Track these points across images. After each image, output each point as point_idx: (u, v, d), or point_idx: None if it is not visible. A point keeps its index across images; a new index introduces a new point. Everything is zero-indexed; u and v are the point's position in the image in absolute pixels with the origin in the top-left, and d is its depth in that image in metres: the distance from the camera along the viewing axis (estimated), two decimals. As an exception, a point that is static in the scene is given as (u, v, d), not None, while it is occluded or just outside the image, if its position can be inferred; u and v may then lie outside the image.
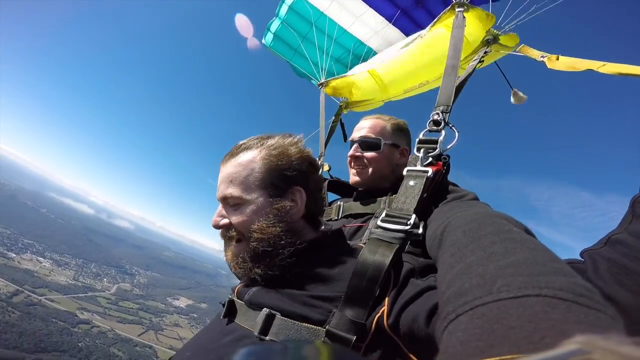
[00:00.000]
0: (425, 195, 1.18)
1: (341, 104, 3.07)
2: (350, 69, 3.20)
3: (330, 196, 2.15)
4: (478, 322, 0.46)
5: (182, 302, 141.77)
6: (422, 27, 2.78)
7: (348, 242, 1.23)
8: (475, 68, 1.78)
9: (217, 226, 1.12)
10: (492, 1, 2.14)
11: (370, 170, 1.78)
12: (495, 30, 1.90)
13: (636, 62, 1.32)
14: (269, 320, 0.90)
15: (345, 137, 2.92)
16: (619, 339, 0.25)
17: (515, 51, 1.86)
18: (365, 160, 1.79)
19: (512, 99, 2.14)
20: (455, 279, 0.60)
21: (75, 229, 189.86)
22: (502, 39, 1.89)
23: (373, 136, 1.81)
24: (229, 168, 1.11)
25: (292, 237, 1.06)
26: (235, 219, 1.07)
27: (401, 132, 1.88)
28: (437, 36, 2.12)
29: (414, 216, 1.06)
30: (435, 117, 1.40)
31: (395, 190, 1.52)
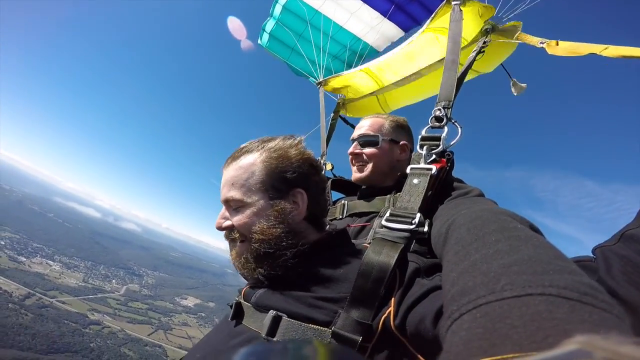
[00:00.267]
0: (429, 193, 1.17)
1: (339, 100, 3.14)
2: (347, 64, 3.34)
3: (334, 195, 2.18)
4: (481, 321, 0.46)
5: (190, 302, 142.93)
6: (417, 21, 2.96)
7: (353, 241, 1.23)
8: (474, 59, 1.78)
9: (220, 228, 1.14)
10: None
11: (370, 166, 1.80)
12: (493, 22, 1.90)
13: (637, 44, 1.52)
14: (275, 322, 0.91)
15: (352, 126, 2.97)
16: (620, 339, 0.25)
17: (513, 39, 1.84)
18: (364, 157, 1.81)
19: (512, 89, 2.16)
20: (459, 277, 0.60)
21: (82, 232, 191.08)
22: (502, 28, 1.88)
23: (371, 133, 1.83)
24: (231, 171, 1.13)
25: (294, 238, 1.06)
26: (237, 220, 1.08)
27: (401, 129, 1.89)
28: (427, 40, 2.23)
29: (418, 215, 1.06)
30: (437, 112, 1.39)
31: (399, 189, 1.52)
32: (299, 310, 0.92)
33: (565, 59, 1.67)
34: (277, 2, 3.20)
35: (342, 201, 1.90)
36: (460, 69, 1.63)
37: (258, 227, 1.05)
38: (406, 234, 1.01)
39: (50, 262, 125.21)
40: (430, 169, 1.21)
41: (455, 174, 1.44)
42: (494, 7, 1.92)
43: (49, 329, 75.58)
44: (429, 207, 1.18)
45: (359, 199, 1.85)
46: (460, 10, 1.77)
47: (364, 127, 1.88)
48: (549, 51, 1.65)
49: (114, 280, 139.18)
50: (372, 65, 2.70)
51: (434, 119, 1.40)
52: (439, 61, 2.31)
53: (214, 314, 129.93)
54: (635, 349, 0.23)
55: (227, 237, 1.15)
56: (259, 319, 0.97)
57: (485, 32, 1.91)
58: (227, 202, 1.12)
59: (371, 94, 2.93)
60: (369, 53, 3.27)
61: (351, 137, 1.94)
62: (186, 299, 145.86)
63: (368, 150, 1.81)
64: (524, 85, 2.11)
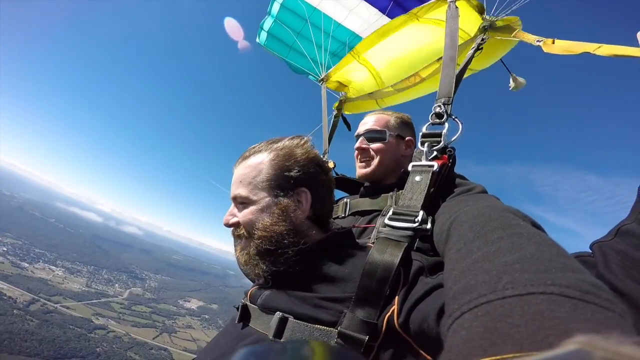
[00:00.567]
0: (432, 190, 1.18)
1: (341, 97, 3.11)
2: None
3: (337, 194, 2.14)
4: (482, 320, 0.46)
5: (194, 304, 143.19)
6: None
7: (357, 240, 1.25)
8: (473, 56, 1.78)
9: (227, 224, 1.17)
10: None
11: (376, 161, 1.78)
12: (491, 17, 1.89)
13: (629, 43, 1.34)
14: (282, 323, 0.92)
15: (349, 127, 3.02)
16: (620, 339, 0.25)
17: (511, 36, 1.85)
18: (371, 152, 1.80)
19: (510, 85, 2.15)
20: (461, 276, 0.60)
21: (83, 237, 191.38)
22: (500, 24, 1.88)
23: (378, 128, 1.82)
24: (240, 170, 1.17)
25: (296, 236, 1.07)
26: (243, 217, 1.12)
27: (405, 125, 1.89)
28: (433, 35, 2.21)
29: (421, 212, 1.06)
30: (437, 109, 1.40)
31: (401, 186, 1.54)
32: (304, 311, 0.93)
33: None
34: (275, 0, 3.19)
35: (345, 199, 1.89)
36: (459, 66, 1.63)
37: (261, 224, 1.08)
38: (409, 233, 1.01)
39: (53, 268, 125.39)
40: (432, 166, 1.21)
41: (455, 169, 1.43)
42: (489, 4, 1.90)
43: (55, 335, 75.81)
44: (431, 204, 1.18)
45: (361, 196, 1.83)
46: (457, 7, 1.75)
47: (369, 122, 1.87)
48: (545, 49, 1.66)
49: (117, 285, 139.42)
50: (374, 59, 2.67)
51: (434, 115, 1.40)
52: (437, 61, 2.30)
53: (218, 316, 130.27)
54: (635, 349, 0.23)
55: (233, 233, 1.18)
56: (266, 320, 0.98)
57: (482, 29, 1.89)
58: (235, 199, 1.16)
59: (370, 95, 2.91)
60: None
61: (356, 133, 1.92)
62: (189, 301, 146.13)
63: (375, 145, 1.80)
64: (523, 80, 2.11)
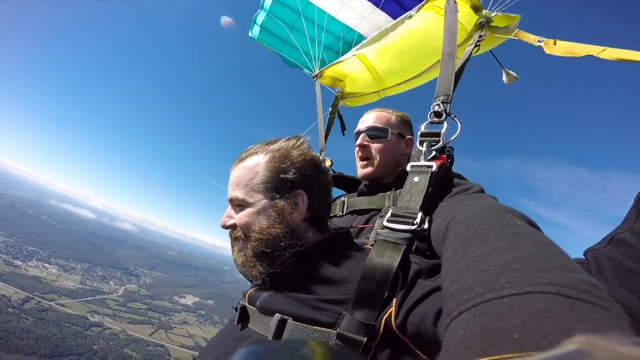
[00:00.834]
0: (430, 190, 1.17)
1: (337, 94, 3.08)
2: (340, 54, 3.17)
3: (335, 192, 2.09)
4: (480, 319, 0.45)
5: (189, 300, 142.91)
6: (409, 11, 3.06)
7: (355, 240, 1.26)
8: (471, 54, 1.76)
9: (224, 226, 1.18)
10: None
11: (378, 160, 1.77)
12: (487, 12, 1.86)
13: (635, 47, 1.34)
14: (281, 325, 0.93)
15: (343, 128, 3.04)
16: (619, 339, 0.25)
17: (510, 35, 1.82)
18: (372, 150, 1.79)
19: (504, 78, 2.14)
20: (458, 275, 0.60)
21: (77, 234, 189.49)
22: (496, 20, 1.86)
23: (380, 126, 1.81)
24: (237, 172, 1.17)
25: (293, 239, 1.08)
26: (239, 219, 1.12)
27: (405, 124, 1.90)
28: (427, 23, 2.15)
29: (420, 214, 1.06)
30: (436, 108, 1.38)
31: (399, 185, 1.57)
32: (303, 312, 0.94)
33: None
34: None
35: (342, 198, 1.89)
36: (457, 63, 1.60)
37: (258, 226, 1.08)
38: (408, 235, 1.01)
39: (47, 265, 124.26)
40: (431, 167, 1.20)
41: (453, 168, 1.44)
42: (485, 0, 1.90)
43: (51, 333, 75.40)
44: (429, 204, 1.18)
45: (359, 195, 1.83)
46: (455, 2, 1.72)
47: (370, 119, 1.86)
48: (547, 50, 1.63)
49: (111, 281, 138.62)
50: (370, 55, 2.64)
51: (432, 114, 1.39)
52: (438, 62, 2.22)
53: (214, 312, 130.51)
54: (635, 349, 0.23)
55: (230, 235, 1.19)
56: (265, 322, 0.99)
57: (480, 26, 1.87)
58: (232, 201, 1.17)
59: (371, 93, 2.93)
60: None
61: (357, 130, 1.91)
62: (185, 297, 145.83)
63: (376, 142, 1.79)
64: (516, 75, 2.10)
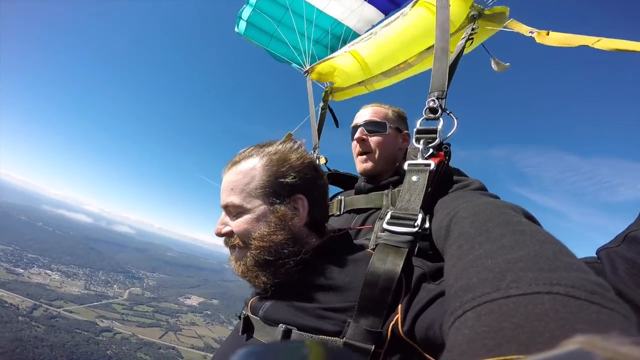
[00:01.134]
0: (429, 189, 1.14)
1: (326, 88, 3.01)
2: (330, 49, 3.21)
3: (331, 189, 1.94)
4: (485, 319, 0.44)
5: (194, 301, 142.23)
6: (397, 3, 2.91)
7: (355, 242, 1.23)
8: (464, 47, 1.71)
9: (219, 234, 1.12)
10: None
11: (377, 154, 1.72)
12: (478, 5, 1.82)
13: (630, 37, 1.29)
14: (286, 335, 0.91)
15: (336, 122, 2.94)
16: (621, 339, 0.25)
17: (502, 26, 1.78)
18: (371, 144, 1.73)
19: (493, 67, 2.07)
20: (463, 272, 0.59)
21: (75, 239, 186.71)
22: (489, 13, 1.81)
23: (378, 120, 1.76)
24: (231, 176, 1.11)
25: (296, 245, 1.04)
26: (237, 226, 1.06)
27: (402, 119, 1.85)
28: (418, 14, 2.09)
29: (420, 216, 1.03)
30: (431, 104, 1.34)
31: (396, 183, 1.55)
32: (307, 322, 0.91)
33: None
34: None
35: (339, 196, 1.84)
36: (451, 57, 1.55)
37: (258, 233, 1.03)
38: (409, 238, 0.98)
39: (49, 272, 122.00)
40: (429, 165, 1.17)
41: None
42: None
43: (64, 340, 74.26)
44: (429, 202, 1.15)
45: (356, 193, 1.79)
46: None
47: (367, 114, 1.82)
48: (538, 40, 1.61)
49: (115, 285, 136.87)
50: (360, 48, 2.54)
51: (427, 110, 1.35)
52: (427, 50, 2.22)
53: (219, 311, 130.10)
54: (635, 348, 0.23)
55: (226, 243, 1.13)
56: (270, 332, 0.97)
57: (472, 18, 1.83)
58: (227, 208, 1.10)
59: (359, 83, 2.82)
60: (352, 37, 3.15)
61: (354, 124, 1.84)
62: (190, 298, 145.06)
63: (375, 136, 1.75)
64: (506, 64, 2.03)
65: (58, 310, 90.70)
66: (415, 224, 1.01)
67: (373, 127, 1.76)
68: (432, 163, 1.17)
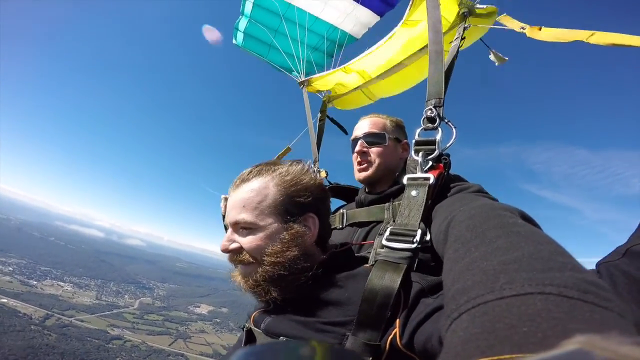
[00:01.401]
0: (429, 202, 1.16)
1: (324, 98, 3.04)
2: (327, 54, 3.22)
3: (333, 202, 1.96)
4: (479, 320, 0.45)
5: (204, 309, 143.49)
6: (391, 4, 2.94)
7: (357, 255, 1.27)
8: (459, 49, 1.72)
9: (226, 250, 1.12)
10: None
11: (376, 164, 1.76)
12: (468, 2, 1.84)
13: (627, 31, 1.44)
14: None
15: (344, 130, 2.89)
16: (620, 339, 0.25)
17: (493, 23, 1.82)
18: (371, 156, 1.78)
19: (492, 59, 2.12)
20: (459, 276, 0.59)
21: (86, 252, 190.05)
22: (479, 11, 1.84)
23: (377, 131, 1.80)
24: (241, 193, 1.12)
25: (307, 261, 1.07)
26: (247, 243, 1.08)
27: (400, 129, 1.90)
28: (410, 19, 2.15)
29: (419, 232, 1.04)
30: (429, 113, 1.34)
31: (396, 194, 1.60)
32: (307, 336, 0.94)
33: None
34: None
35: (341, 210, 1.88)
36: (446, 61, 1.54)
37: (271, 249, 1.05)
38: (408, 254, 1.00)
39: (61, 283, 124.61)
40: (428, 179, 1.17)
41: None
42: None
43: (75, 347, 75.86)
44: (428, 213, 1.16)
45: (357, 206, 1.82)
46: None
47: (366, 126, 1.85)
48: (530, 35, 1.63)
49: (126, 296, 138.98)
50: (353, 64, 2.64)
51: (425, 120, 1.35)
52: (420, 50, 2.28)
53: (229, 319, 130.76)
54: (635, 349, 0.23)
55: (232, 259, 1.14)
56: None
57: (463, 17, 1.85)
58: (237, 225, 1.11)
59: (356, 88, 2.85)
60: (348, 41, 3.21)
61: (353, 137, 1.88)
62: (199, 306, 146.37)
63: (375, 148, 1.78)
64: (504, 57, 2.08)
65: (70, 319, 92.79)
66: (414, 240, 1.02)
67: (372, 138, 1.79)
68: (432, 177, 1.17)
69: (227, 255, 1.15)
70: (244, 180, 1.15)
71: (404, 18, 2.13)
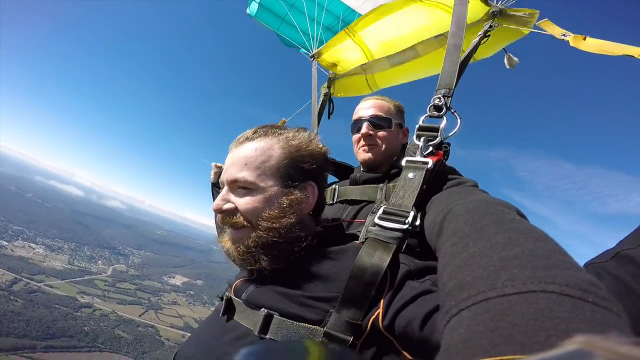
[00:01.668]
0: (424, 187, 1.16)
1: (330, 76, 2.99)
2: None
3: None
4: (481, 318, 0.45)
5: (178, 280, 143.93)
6: None
7: (347, 232, 1.25)
8: (478, 45, 1.68)
9: (219, 210, 1.06)
10: None
11: (382, 148, 1.74)
12: (500, 4, 1.76)
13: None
14: (267, 320, 0.91)
15: (329, 114, 2.90)
16: (620, 339, 0.25)
17: (528, 25, 1.71)
18: (377, 139, 1.75)
19: (505, 63, 2.05)
20: (458, 271, 0.59)
21: (63, 212, 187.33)
22: (512, 12, 1.75)
23: (383, 115, 1.77)
24: (244, 151, 1.06)
25: (302, 230, 1.03)
26: (244, 204, 1.03)
27: (402, 113, 1.87)
28: (430, 8, 2.11)
29: (412, 213, 1.04)
30: (437, 101, 1.35)
31: (391, 177, 1.59)
32: (290, 309, 0.92)
33: (556, 42, 1.61)
34: None
35: (334, 185, 1.86)
36: (463, 54, 1.52)
37: (268, 214, 1.01)
38: (399, 234, 0.99)
39: (33, 245, 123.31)
40: (427, 163, 1.18)
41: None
42: None
43: (42, 315, 75.77)
44: (422, 199, 1.16)
45: (351, 184, 1.80)
46: None
47: (372, 108, 1.81)
48: (572, 44, 1.54)
49: (99, 261, 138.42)
50: (359, 27, 2.58)
51: (432, 107, 1.36)
52: (435, 39, 2.18)
53: (203, 292, 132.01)
54: (635, 349, 0.23)
55: (224, 221, 1.07)
56: (251, 316, 0.97)
57: (492, 15, 1.76)
58: (234, 183, 1.05)
59: (362, 66, 2.76)
60: None
61: (357, 117, 1.83)
62: (174, 277, 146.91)
63: (381, 132, 1.76)
64: (516, 59, 2.03)
65: (39, 284, 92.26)
66: (406, 221, 1.01)
67: (378, 122, 1.75)
68: (430, 161, 1.17)
69: (218, 216, 1.09)
70: (249, 139, 1.10)
71: None
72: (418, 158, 1.23)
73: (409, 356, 0.79)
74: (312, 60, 2.95)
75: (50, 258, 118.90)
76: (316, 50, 2.93)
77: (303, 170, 1.08)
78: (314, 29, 3.01)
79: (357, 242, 1.12)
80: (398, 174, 1.27)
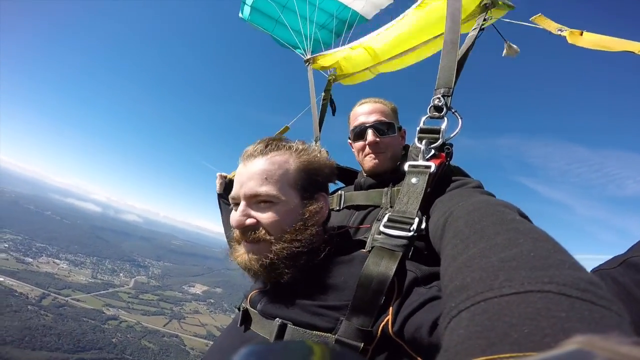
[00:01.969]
0: (428, 190, 1.15)
1: (329, 77, 2.94)
2: (335, 34, 3.14)
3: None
4: (479, 319, 0.45)
5: (198, 289, 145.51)
6: None
7: (354, 239, 1.28)
8: (475, 39, 1.66)
9: (241, 226, 1.05)
10: None
11: (388, 155, 1.73)
12: None
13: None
14: (281, 329, 0.95)
15: (333, 111, 2.88)
16: (620, 339, 0.25)
17: (529, 22, 1.71)
18: (382, 146, 1.73)
19: (505, 52, 2.03)
20: (458, 272, 0.59)
21: (82, 228, 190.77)
22: (502, 4, 1.76)
23: (387, 120, 1.75)
24: (261, 165, 1.07)
25: (318, 241, 1.07)
26: (267, 218, 1.03)
27: (397, 115, 1.86)
28: (431, 5, 2.09)
29: (416, 220, 1.04)
30: (437, 102, 1.33)
31: (396, 180, 1.59)
32: (302, 318, 0.95)
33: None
34: None
35: (340, 191, 1.86)
36: (460, 50, 1.50)
37: (293, 226, 1.03)
38: (404, 242, 1.00)
39: (57, 261, 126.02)
40: (429, 167, 1.17)
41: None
42: None
43: (71, 328, 77.26)
44: (427, 202, 1.16)
45: (355, 189, 1.80)
46: None
47: (374, 113, 1.77)
48: (570, 40, 1.52)
49: (121, 274, 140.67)
50: (364, 42, 2.56)
51: (432, 108, 1.34)
52: (434, 37, 2.20)
53: (223, 300, 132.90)
54: (635, 348, 0.23)
55: (244, 237, 1.07)
56: (266, 325, 1.00)
57: (484, 8, 1.75)
58: (254, 197, 1.05)
59: (365, 69, 2.75)
60: (358, 21, 3.07)
61: (360, 123, 1.77)
62: (194, 286, 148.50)
63: (386, 138, 1.73)
64: (517, 48, 2.00)
65: (66, 299, 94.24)
66: (411, 228, 1.02)
67: (383, 128, 1.74)
68: (433, 165, 1.17)
69: (237, 231, 1.08)
70: (263, 153, 1.10)
71: (419, 0, 2.08)
72: (420, 162, 1.22)
73: None
74: (307, 65, 2.95)
75: (74, 273, 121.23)
76: (311, 57, 2.93)
77: (316, 182, 1.12)
78: (305, 29, 3.01)
79: (364, 250, 1.13)
80: (402, 177, 1.26)
